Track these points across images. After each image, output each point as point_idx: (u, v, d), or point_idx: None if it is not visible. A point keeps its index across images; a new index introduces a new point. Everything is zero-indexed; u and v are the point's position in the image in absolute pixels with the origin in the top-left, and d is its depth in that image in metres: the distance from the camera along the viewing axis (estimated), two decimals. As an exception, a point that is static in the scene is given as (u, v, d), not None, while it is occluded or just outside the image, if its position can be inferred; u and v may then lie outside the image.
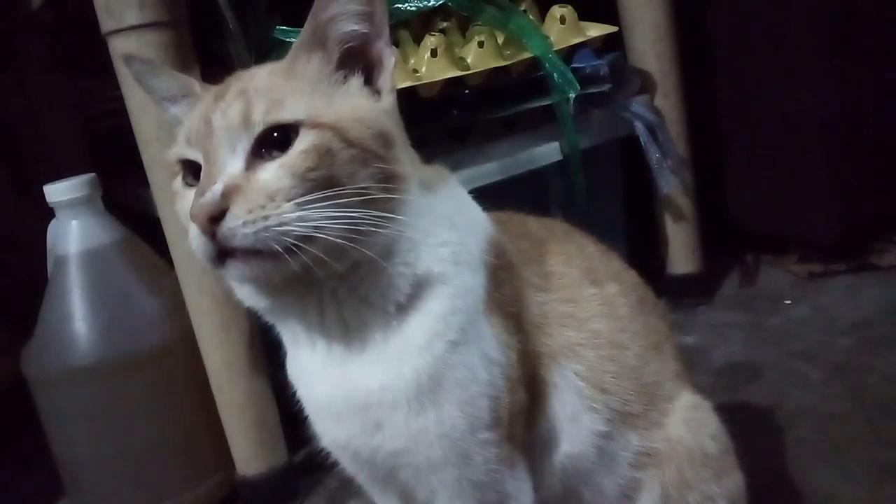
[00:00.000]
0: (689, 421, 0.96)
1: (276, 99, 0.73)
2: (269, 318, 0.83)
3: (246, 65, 1.44)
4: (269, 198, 0.68)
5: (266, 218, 0.68)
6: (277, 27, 1.45)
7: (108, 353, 1.43)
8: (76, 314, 1.43)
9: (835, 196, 1.95)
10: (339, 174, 0.71)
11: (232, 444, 1.51)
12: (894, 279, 1.95)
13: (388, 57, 0.79)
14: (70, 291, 1.44)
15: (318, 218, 0.69)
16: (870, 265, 2.02)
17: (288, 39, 1.44)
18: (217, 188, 0.69)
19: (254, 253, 0.69)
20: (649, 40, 1.87)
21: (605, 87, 1.73)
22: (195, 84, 0.84)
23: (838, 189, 1.95)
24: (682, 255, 2.02)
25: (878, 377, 1.55)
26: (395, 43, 1.56)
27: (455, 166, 1.55)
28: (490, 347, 0.81)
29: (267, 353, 1.50)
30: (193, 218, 0.68)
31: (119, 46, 1.30)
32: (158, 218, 1.44)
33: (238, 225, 0.67)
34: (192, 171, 0.77)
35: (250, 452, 1.51)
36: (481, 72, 1.58)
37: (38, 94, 2.11)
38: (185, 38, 1.35)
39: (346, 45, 0.78)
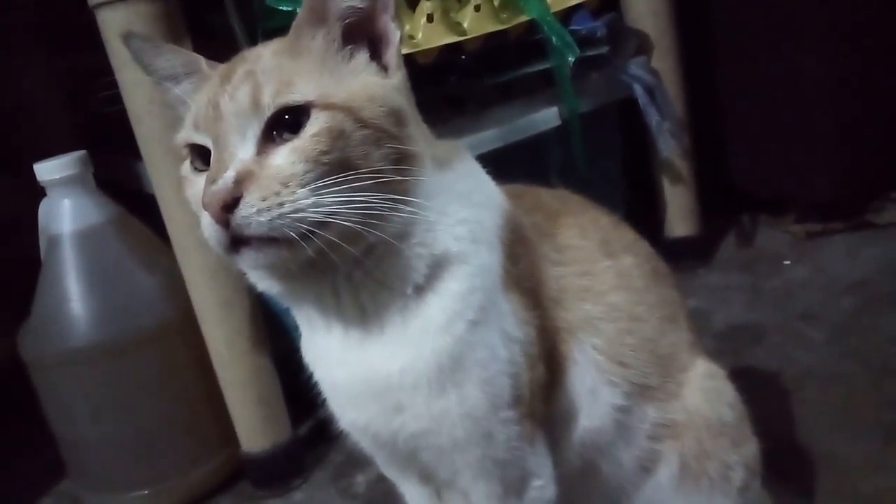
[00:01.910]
0: (705, 390, 0.95)
1: (284, 80, 0.70)
2: (284, 302, 0.81)
3: (238, 34, 1.41)
4: (282, 184, 0.66)
5: (280, 205, 0.65)
6: (270, -5, 1.40)
7: (106, 334, 1.41)
8: (72, 295, 1.41)
9: (834, 153, 1.94)
10: (353, 156, 0.69)
11: (236, 422, 1.49)
12: (892, 237, 1.95)
13: (394, 31, 0.76)
14: (65, 272, 1.42)
15: (332, 203, 0.67)
16: (868, 223, 2.02)
17: (280, 7, 1.39)
18: (229, 175, 0.66)
19: (268, 240, 0.67)
20: (646, 0, 1.83)
21: (604, 50, 1.70)
22: (201, 61, 0.80)
23: (838, 146, 1.94)
24: (680, 217, 2.01)
25: (881, 337, 1.55)
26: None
27: (453, 134, 1.55)
28: (509, 325, 0.79)
29: (268, 329, 1.48)
30: (206, 206, 0.66)
31: (108, 20, 1.26)
32: (153, 194, 1.40)
33: (252, 213, 0.65)
34: (200, 155, 0.74)
35: (255, 429, 1.50)
36: (478, 37, 1.54)
37: (25, 68, 2.04)
38: (176, 9, 1.30)
39: (347, 21, 0.75)
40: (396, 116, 0.73)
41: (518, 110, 1.64)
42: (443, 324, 0.75)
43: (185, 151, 0.76)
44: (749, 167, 2.16)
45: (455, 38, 1.52)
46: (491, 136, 1.59)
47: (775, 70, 1.96)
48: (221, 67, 0.77)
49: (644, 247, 1.02)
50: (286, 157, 0.67)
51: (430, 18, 1.50)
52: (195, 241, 1.37)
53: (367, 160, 0.69)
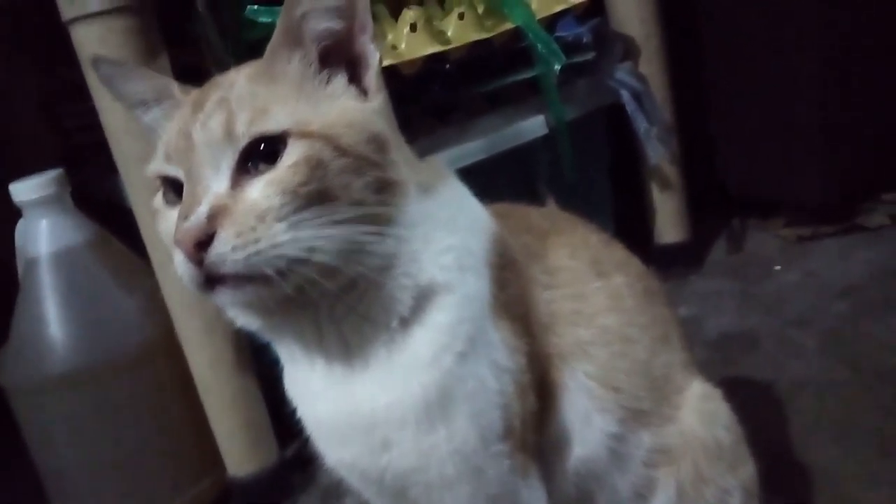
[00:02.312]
0: (701, 413, 0.93)
1: (259, 108, 0.67)
2: (264, 337, 0.78)
3: (216, 47, 1.37)
4: (258, 219, 0.63)
5: (257, 241, 0.63)
6: (248, 6, 1.37)
7: (86, 358, 1.37)
8: (51, 319, 1.37)
9: (824, 156, 1.93)
10: (333, 186, 0.66)
11: (222, 446, 1.46)
12: (883, 240, 1.93)
13: (373, 53, 0.74)
14: (43, 295, 1.38)
15: (311, 237, 0.64)
16: (858, 226, 2.00)
17: (260, 20, 1.36)
18: (202, 211, 0.63)
19: (245, 278, 0.64)
20: (632, 4, 1.81)
21: (590, 56, 1.68)
22: (173, 86, 0.77)
23: (828, 149, 1.92)
24: (669, 224, 1.99)
25: (874, 344, 1.53)
26: (372, 18, 1.49)
27: (438, 145, 1.52)
28: (499, 354, 0.77)
29: (253, 349, 1.45)
30: (178, 244, 0.63)
31: (82, 35, 1.23)
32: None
33: (227, 251, 0.62)
34: (173, 188, 0.71)
35: (241, 453, 1.46)
36: (463, 45, 1.52)
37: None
38: (152, 22, 1.27)
39: (323, 44, 0.72)
40: (377, 142, 0.70)
41: (504, 120, 1.62)
42: (430, 357, 0.72)
43: (157, 183, 0.73)
44: (738, 170, 2.15)
45: (439, 48, 1.49)
46: (477, 147, 1.56)
47: (764, 72, 1.94)
48: (193, 94, 0.74)
49: (635, 265, 0.99)
50: (262, 189, 0.64)
51: (413, 28, 1.47)
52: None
53: (347, 190, 0.66)
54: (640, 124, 1.71)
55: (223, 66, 1.39)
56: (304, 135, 0.66)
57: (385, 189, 0.69)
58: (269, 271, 0.63)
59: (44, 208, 1.38)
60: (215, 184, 0.66)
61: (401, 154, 0.74)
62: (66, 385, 1.37)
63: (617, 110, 1.83)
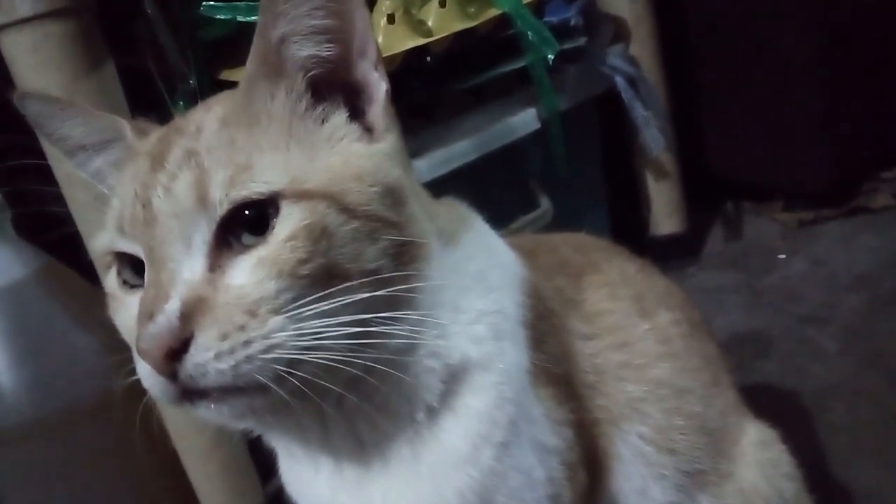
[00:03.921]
0: (762, 464, 0.81)
1: (240, 163, 0.52)
2: (254, 432, 0.63)
3: (168, 50, 1.20)
4: (248, 313, 0.49)
5: (247, 343, 0.48)
6: (204, 2, 1.20)
7: (41, 408, 1.22)
8: (-1, 365, 1.20)
9: (826, 138, 1.82)
10: (341, 260, 0.52)
11: (199, 493, 1.31)
12: (889, 223, 1.83)
13: (378, 83, 0.59)
14: (-13, 339, 1.21)
15: (316, 330, 0.50)
16: (861, 208, 1.89)
17: (218, 16, 1.19)
18: (172, 308, 0.48)
19: (232, 389, 0.49)
20: (621, -18, 1.67)
21: (581, 42, 1.53)
22: (123, 127, 0.61)
23: (830, 131, 1.81)
24: (665, 214, 1.87)
25: (897, 342, 1.43)
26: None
27: (422, 148, 1.37)
28: (543, 433, 0.63)
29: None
30: (143, 354, 0.48)
31: (12, 44, 1.06)
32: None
33: (209, 358, 0.48)
34: (131, 265, 0.56)
35: (221, 500, 1.31)
36: (445, 37, 1.36)
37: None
38: (93, 25, 1.10)
39: (309, 74, 0.57)
40: (393, 196, 0.55)
41: (493, 115, 1.47)
42: (466, 454, 0.59)
43: (108, 259, 0.58)
44: (731, 153, 2.02)
45: (420, 41, 1.33)
46: (465, 148, 1.41)
47: (757, 51, 1.82)
48: (151, 140, 0.58)
49: (676, 293, 0.87)
50: (251, 272, 0.50)
51: (390, 19, 1.31)
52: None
53: (359, 262, 0.52)
54: (638, 112, 1.58)
55: (176, 72, 1.25)
56: (302, 195, 0.51)
57: (404, 252, 0.55)
58: (264, 379, 0.48)
59: (-20, 240, 1.21)
60: (187, 267, 0.51)
61: (418, 203, 0.59)
62: (19, 439, 1.22)
63: (606, 97, 1.69)
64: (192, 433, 1.27)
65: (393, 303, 0.54)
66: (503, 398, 0.60)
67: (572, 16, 1.55)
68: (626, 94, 1.57)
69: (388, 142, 0.59)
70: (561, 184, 1.59)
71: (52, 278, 1.28)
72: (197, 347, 0.48)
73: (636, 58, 1.69)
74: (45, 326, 1.25)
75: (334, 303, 0.50)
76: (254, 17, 1.21)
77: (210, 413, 0.51)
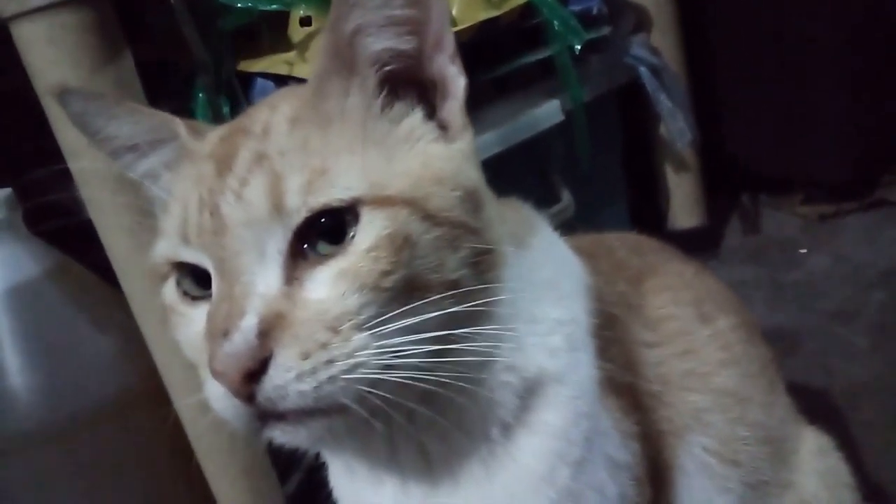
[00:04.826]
0: (822, 474, 0.78)
1: (315, 167, 0.49)
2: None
3: (191, 40, 1.16)
4: (330, 329, 0.45)
5: (330, 363, 0.45)
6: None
7: (54, 412, 1.17)
8: (11, 369, 1.16)
9: (848, 130, 1.78)
10: (423, 271, 0.48)
11: (219, 497, 1.27)
12: (911, 216, 1.80)
13: (457, 77, 0.55)
14: (0, 340, 1.16)
15: (398, 347, 0.47)
16: (882, 201, 1.86)
17: (238, 5, 1.15)
18: (249, 325, 0.45)
19: (311, 412, 0.46)
20: (643, -31, 1.63)
21: (605, 31, 1.49)
22: (176, 124, 0.57)
23: (852, 122, 1.78)
24: (685, 208, 1.83)
25: (930, 339, 1.40)
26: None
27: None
28: (613, 447, 0.60)
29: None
30: (219, 377, 0.44)
31: (25, 34, 1.01)
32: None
33: (290, 379, 0.45)
34: (192, 275, 0.52)
35: (241, 502, 1.28)
36: (469, 27, 1.32)
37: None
38: (110, 14, 1.05)
39: (385, 69, 0.54)
40: (473, 200, 0.52)
41: (516, 107, 1.43)
42: (543, 473, 0.55)
43: (165, 269, 0.54)
44: (750, 144, 1.99)
45: (444, 31, 1.29)
46: (489, 141, 1.37)
47: (781, 41, 1.78)
48: (211, 143, 0.54)
49: (731, 296, 0.83)
50: (331, 285, 0.46)
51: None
52: (157, 295, 1.14)
53: (441, 272, 0.48)
54: (663, 104, 1.54)
55: (197, 62, 1.21)
56: (383, 202, 0.48)
57: (482, 261, 0.51)
58: (347, 400, 0.44)
59: (-8, 238, 1.17)
60: (261, 279, 0.47)
61: (492, 208, 0.56)
62: (32, 443, 1.17)
63: (624, 88, 1.65)
64: (210, 435, 1.23)
65: (473, 316, 0.50)
66: (579, 413, 0.57)
67: (595, 4, 1.51)
68: (651, 85, 1.53)
69: (466, 141, 0.55)
70: (580, 177, 1.56)
71: (65, 277, 1.23)
72: (277, 368, 0.45)
73: (657, 48, 1.65)
74: (58, 327, 1.21)
75: (418, 318, 0.47)
76: (275, 6, 1.17)
77: (286, 436, 0.48)
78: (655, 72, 1.56)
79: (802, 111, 1.83)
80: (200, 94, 1.17)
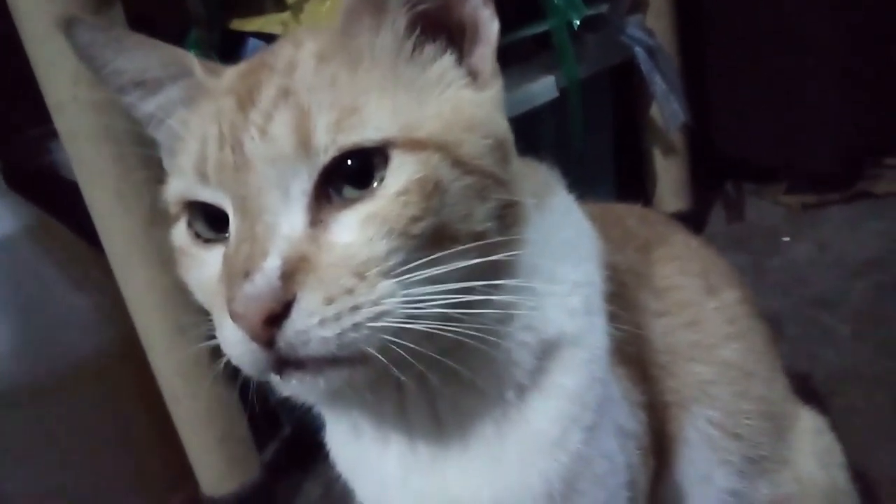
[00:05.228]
0: (818, 453, 0.78)
1: (346, 105, 0.46)
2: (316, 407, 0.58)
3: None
4: (356, 274, 0.44)
5: (355, 309, 0.43)
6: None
7: (30, 370, 1.16)
8: (-16, 324, 1.13)
9: (835, 121, 1.79)
10: (451, 220, 0.47)
11: (195, 463, 1.25)
12: (893, 208, 1.81)
13: (490, 21, 0.53)
14: (-25, 297, 1.14)
15: (422, 296, 0.45)
16: (864, 193, 1.88)
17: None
18: (272, 266, 0.43)
19: (332, 360, 0.44)
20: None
21: (603, 9, 1.48)
22: (191, 60, 0.54)
23: (839, 113, 1.78)
24: (672, 192, 1.84)
25: (911, 329, 1.41)
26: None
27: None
28: (622, 415, 0.59)
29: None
30: (238, 319, 0.42)
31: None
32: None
33: (313, 324, 0.43)
34: (205, 216, 0.50)
35: (218, 471, 1.26)
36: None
37: None
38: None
39: (417, 9, 0.51)
40: (503, 149, 0.50)
41: (512, 81, 1.40)
42: (556, 437, 0.54)
43: (175, 209, 0.51)
44: (736, 131, 1.98)
45: None
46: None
47: (773, 29, 1.78)
48: (230, 79, 0.51)
49: (733, 271, 0.82)
50: (359, 229, 0.44)
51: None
52: (140, 254, 1.11)
53: (468, 223, 0.47)
54: (658, 86, 1.53)
55: (193, 16, 1.17)
56: (414, 145, 0.46)
57: (508, 214, 0.50)
58: (371, 349, 0.43)
59: (-31, 193, 1.14)
60: (285, 220, 0.45)
61: (517, 161, 0.54)
62: (8, 403, 1.15)
63: (619, 68, 1.64)
64: (188, 400, 1.21)
65: (495, 269, 0.49)
66: (594, 377, 0.56)
67: (594, -21, 1.49)
68: (646, 65, 1.52)
69: (496, 89, 0.54)
70: (569, 154, 1.54)
71: (45, 234, 1.21)
72: (300, 312, 0.43)
73: (652, 29, 1.63)
74: (34, 285, 1.19)
75: (444, 268, 0.45)
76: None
77: (303, 387, 0.46)
78: (651, 53, 1.55)
79: (791, 102, 1.83)
80: (192, 50, 1.14)
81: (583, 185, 1.65)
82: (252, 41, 1.22)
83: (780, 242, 1.81)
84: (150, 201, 1.07)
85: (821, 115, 1.81)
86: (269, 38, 1.22)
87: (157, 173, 1.06)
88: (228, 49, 1.22)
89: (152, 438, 1.26)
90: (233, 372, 1.21)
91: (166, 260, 1.10)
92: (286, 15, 1.20)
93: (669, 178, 1.82)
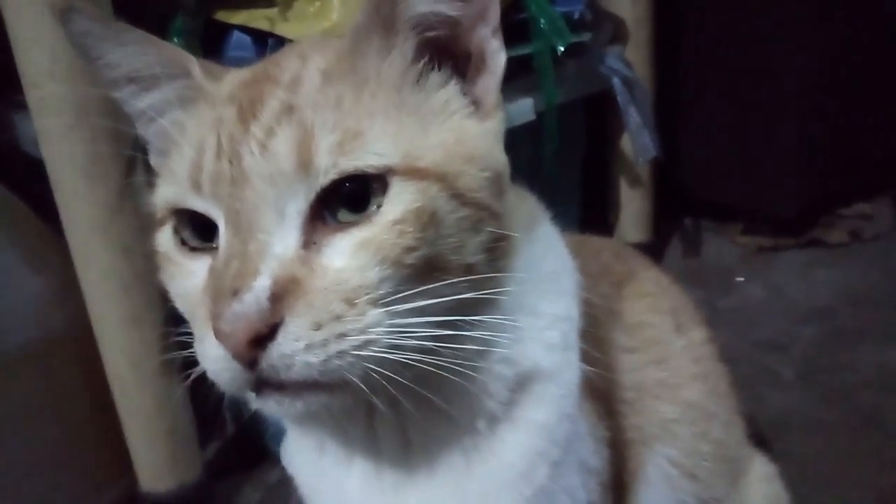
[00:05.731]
0: (767, 499, 0.80)
1: (349, 128, 0.46)
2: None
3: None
4: (346, 301, 0.43)
5: (342, 336, 0.43)
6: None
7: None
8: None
9: (799, 169, 1.84)
10: (444, 251, 0.47)
11: (136, 457, 1.22)
12: (844, 259, 1.87)
13: (497, 53, 0.53)
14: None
15: (409, 326, 0.45)
16: (817, 241, 1.93)
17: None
18: (262, 286, 0.42)
19: (312, 385, 0.43)
20: (626, -19, 1.64)
21: (586, 37, 1.49)
22: (189, 61, 0.53)
23: (804, 163, 1.83)
24: (634, 223, 1.86)
25: (854, 379, 1.45)
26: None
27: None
28: (587, 451, 0.60)
29: (179, 345, 1.21)
30: (223, 337, 0.41)
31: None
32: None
33: (298, 349, 0.42)
34: (192, 225, 0.48)
35: (159, 466, 1.23)
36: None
37: None
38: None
39: (427, 35, 0.51)
40: (499, 183, 0.50)
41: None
42: (522, 470, 0.54)
43: (162, 213, 0.50)
44: (699, 169, 2.02)
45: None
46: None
47: (746, 73, 1.82)
48: (232, 86, 0.50)
49: (698, 310, 0.84)
50: (351, 254, 0.44)
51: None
52: (102, 240, 1.08)
53: (460, 255, 0.47)
54: (632, 118, 1.55)
55: (180, 4, 1.15)
56: (415, 174, 0.46)
57: (497, 247, 0.50)
58: (352, 377, 0.42)
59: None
60: (278, 239, 0.44)
61: (511, 193, 0.54)
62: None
63: (592, 97, 1.66)
64: (137, 393, 1.19)
65: (480, 303, 0.49)
66: (563, 412, 0.56)
67: (578, 8, 1.50)
68: (622, 97, 1.54)
69: (497, 120, 0.54)
70: (539, 179, 1.55)
71: (2, 212, 1.16)
72: (286, 336, 0.42)
73: (631, 62, 1.66)
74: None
75: (431, 300, 0.45)
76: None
77: (280, 408, 0.45)
78: (628, 85, 1.57)
79: (754, 144, 1.88)
80: (176, 39, 1.12)
81: (548, 210, 1.66)
82: (236, 34, 1.20)
83: (734, 282, 1.84)
84: (118, 188, 1.05)
85: (783, 161, 1.85)
86: (253, 33, 1.21)
87: (128, 161, 1.04)
88: (211, 39, 1.20)
89: (94, 429, 1.22)
90: (182, 367, 1.19)
91: (128, 248, 1.09)
92: (273, 11, 1.19)
93: (633, 208, 1.84)
